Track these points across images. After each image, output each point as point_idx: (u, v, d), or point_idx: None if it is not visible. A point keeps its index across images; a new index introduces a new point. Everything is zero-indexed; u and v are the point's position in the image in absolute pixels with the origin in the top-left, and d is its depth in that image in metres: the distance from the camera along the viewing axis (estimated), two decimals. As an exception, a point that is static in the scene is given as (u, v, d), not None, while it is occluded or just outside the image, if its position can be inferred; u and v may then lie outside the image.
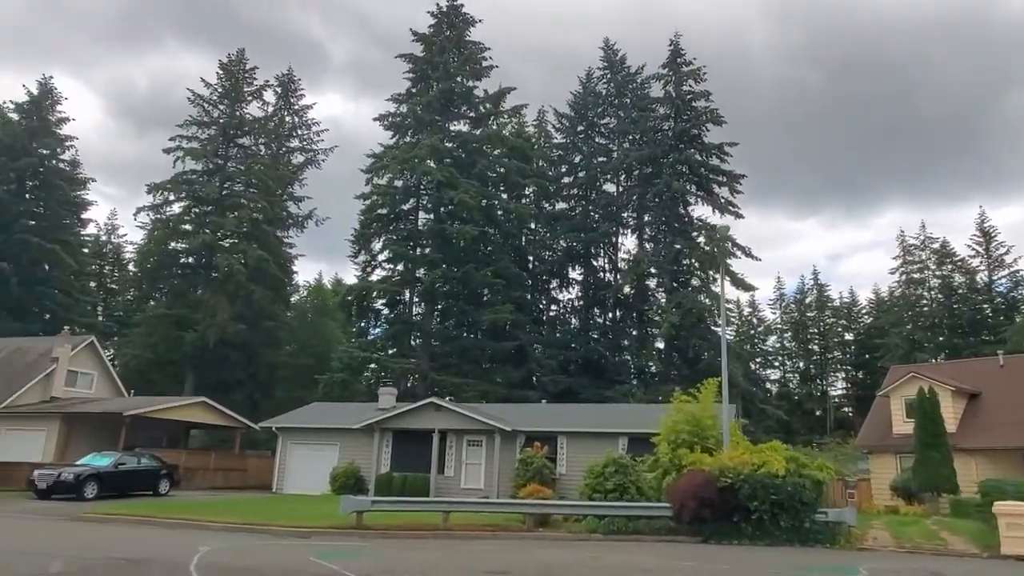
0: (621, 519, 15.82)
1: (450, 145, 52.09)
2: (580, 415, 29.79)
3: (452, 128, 53.79)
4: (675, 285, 51.76)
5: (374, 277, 52.24)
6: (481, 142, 52.87)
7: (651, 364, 53.22)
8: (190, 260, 57.11)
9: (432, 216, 52.28)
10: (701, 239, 51.35)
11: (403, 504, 16.31)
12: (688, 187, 52.80)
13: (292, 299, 64.86)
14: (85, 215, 67.71)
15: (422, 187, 51.86)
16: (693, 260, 51.67)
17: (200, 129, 57.57)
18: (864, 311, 74.17)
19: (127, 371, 53.35)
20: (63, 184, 64.51)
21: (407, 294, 52.45)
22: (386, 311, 53.25)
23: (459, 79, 52.84)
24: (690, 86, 53.56)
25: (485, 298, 53.43)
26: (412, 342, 52.56)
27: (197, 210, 56.86)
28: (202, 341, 51.67)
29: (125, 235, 76.26)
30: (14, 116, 62.64)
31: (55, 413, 30.35)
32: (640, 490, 17.23)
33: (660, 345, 52.73)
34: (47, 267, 62.41)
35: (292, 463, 30.72)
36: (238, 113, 58.12)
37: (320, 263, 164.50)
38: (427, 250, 50.42)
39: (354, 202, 53.33)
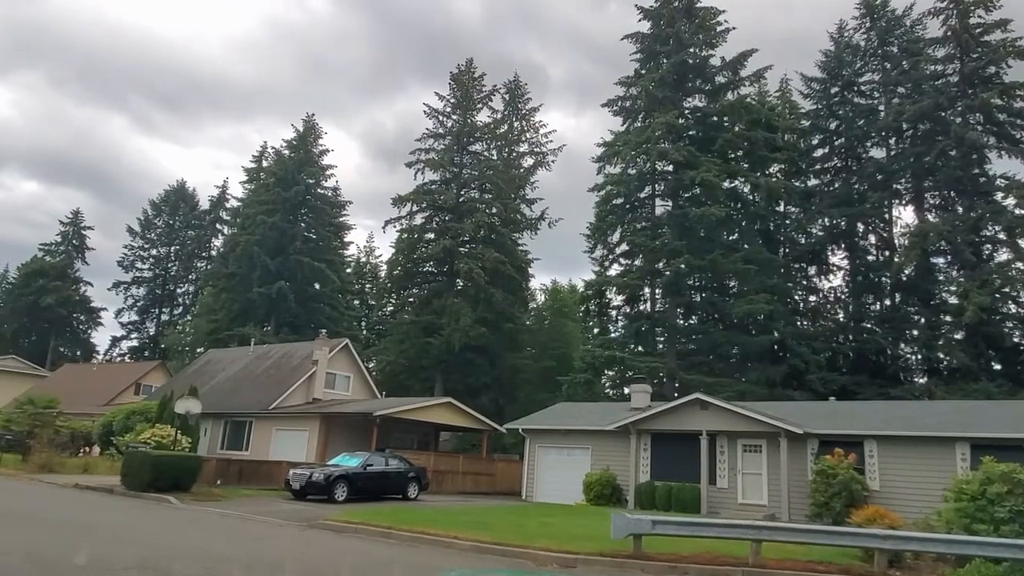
0: (1028, 564, 10.10)
1: (686, 122, 46.89)
2: (895, 414, 23.09)
3: (686, 104, 48.53)
4: (976, 260, 41.54)
5: (612, 272, 48.63)
6: (720, 115, 46.95)
7: (948, 357, 43.18)
8: (433, 268, 57.81)
9: (670, 202, 47.39)
10: (1010, 200, 40.75)
11: (692, 527, 11.87)
12: (985, 139, 42.35)
13: (530, 303, 63.48)
14: (346, 238, 72.79)
15: (658, 171, 47.19)
16: (998, 227, 41.20)
17: (436, 141, 58.33)
18: None
19: (384, 376, 55.13)
20: (326, 208, 69.54)
21: (647, 288, 47.97)
22: (626, 308, 49.23)
23: (692, 49, 47.50)
24: (979, 16, 43.14)
25: (732, 289, 47.31)
26: (656, 339, 47.99)
27: (438, 219, 57.47)
28: (448, 346, 51.51)
29: (380, 255, 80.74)
30: (286, 152, 68.71)
31: (315, 414, 30.34)
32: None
33: (958, 336, 42.54)
34: (317, 285, 67.44)
35: (541, 468, 27.68)
36: (469, 120, 57.97)
37: (554, 269, 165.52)
38: (667, 239, 45.57)
39: (580, 215, 50.46)
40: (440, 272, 57.43)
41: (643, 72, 48.78)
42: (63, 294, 74.08)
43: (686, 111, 47.88)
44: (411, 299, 59.18)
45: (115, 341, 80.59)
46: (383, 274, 78.12)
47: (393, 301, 68.82)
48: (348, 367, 36.27)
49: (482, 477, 31.05)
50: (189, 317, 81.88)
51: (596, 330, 51.01)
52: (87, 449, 33.81)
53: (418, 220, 57.59)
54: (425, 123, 58.04)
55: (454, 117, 58.45)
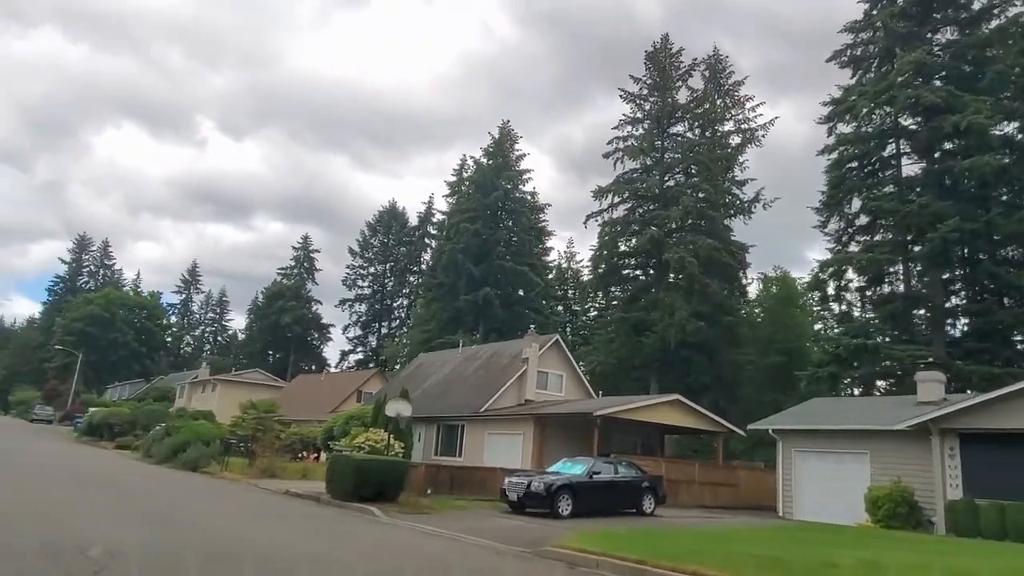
0: None
1: (938, 60, 38.19)
2: None
3: (935, 41, 39.66)
4: None
5: (852, 248, 40.86)
6: (983, 46, 37.64)
7: None
8: (640, 260, 53.30)
9: (924, 159, 38.82)
10: None
11: None
12: None
13: (749, 292, 56.48)
14: (547, 242, 70.86)
15: (904, 122, 38.91)
16: None
17: (634, 126, 53.92)
18: None
19: (593, 378, 51.39)
20: (526, 212, 67.99)
21: (899, 263, 39.66)
22: (872, 288, 41.13)
23: (938, -28, 38.75)
24: None
25: (1014, 256, 37.64)
26: (914, 323, 39.49)
27: (641, 208, 52.98)
28: (662, 343, 46.69)
29: (581, 260, 77.98)
30: (483, 160, 68.29)
31: (528, 415, 27.25)
32: None
33: None
34: (521, 291, 65.92)
35: (801, 478, 22.10)
36: (669, 100, 52.86)
37: (760, 262, 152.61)
38: (925, 202, 37.13)
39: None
40: (647, 265, 52.80)
41: (874, 13, 40.74)
42: (298, 313, 79.69)
43: (937, 45, 39.11)
44: (618, 295, 55.04)
45: (343, 355, 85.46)
46: (585, 277, 75.59)
47: (598, 303, 65.59)
48: (560, 365, 32.98)
49: (721, 488, 25.98)
50: (405, 329, 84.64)
51: (837, 317, 43.28)
52: (305, 454, 33.63)
53: (620, 212, 53.46)
54: (614, 123, 53.73)
55: (651, 99, 53.69)
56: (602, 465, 18.93)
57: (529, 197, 69.50)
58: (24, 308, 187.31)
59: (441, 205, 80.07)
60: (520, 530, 13.80)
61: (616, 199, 52.75)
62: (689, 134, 54.43)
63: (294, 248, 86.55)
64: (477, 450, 28.96)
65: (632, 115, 53.78)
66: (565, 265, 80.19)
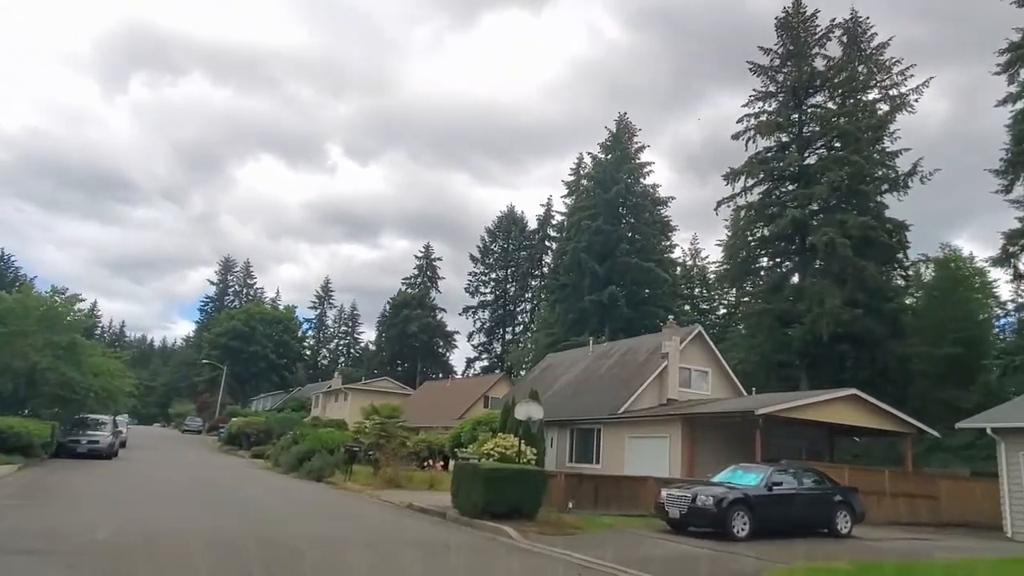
0: None
1: None
2: None
3: None
4: None
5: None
6: None
7: None
8: (780, 246, 47.91)
9: None
10: None
11: None
12: None
13: (912, 276, 49.40)
14: (672, 236, 66.55)
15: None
16: None
17: (765, 102, 48.75)
18: None
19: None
20: (648, 205, 64.10)
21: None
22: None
23: None
24: None
25: None
26: None
27: (779, 190, 47.72)
28: (812, 335, 41.32)
29: (707, 257, 72.86)
30: (601, 156, 65.04)
31: (675, 416, 23.66)
32: None
33: None
34: (647, 289, 61.92)
35: (1036, 488, 17.25)
36: (806, 69, 47.29)
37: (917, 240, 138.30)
38: None
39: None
40: (788, 251, 47.38)
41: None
42: (423, 321, 79.55)
43: None
44: (755, 287, 49.84)
45: (469, 362, 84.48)
46: (712, 275, 70.58)
47: (727, 299, 60.58)
48: (704, 360, 29.09)
49: (919, 500, 21.18)
50: (529, 334, 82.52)
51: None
52: (431, 462, 31.65)
53: (754, 195, 48.39)
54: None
55: (785, 70, 48.33)
56: (781, 475, 15.16)
57: (651, 190, 65.46)
58: (184, 329, 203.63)
59: (559, 207, 77.60)
60: (694, 561, 10.54)
61: (750, 181, 47.78)
62: (830, 104, 48.52)
63: (416, 257, 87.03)
64: (616, 456, 25.71)
65: (764, 89, 48.66)
66: (690, 263, 75.37)
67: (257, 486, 20.80)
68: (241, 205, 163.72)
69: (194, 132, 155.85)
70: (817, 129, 47.02)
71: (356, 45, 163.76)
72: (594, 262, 59.42)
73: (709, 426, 23.35)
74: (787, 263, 47.75)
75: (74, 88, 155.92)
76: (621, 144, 63.92)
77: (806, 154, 47.08)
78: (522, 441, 22.89)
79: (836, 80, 48.72)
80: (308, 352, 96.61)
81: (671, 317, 31.10)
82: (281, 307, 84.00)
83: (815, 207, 44.86)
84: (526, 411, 21.44)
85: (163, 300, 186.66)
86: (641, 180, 64.70)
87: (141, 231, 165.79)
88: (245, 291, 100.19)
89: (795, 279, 46.47)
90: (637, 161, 64.07)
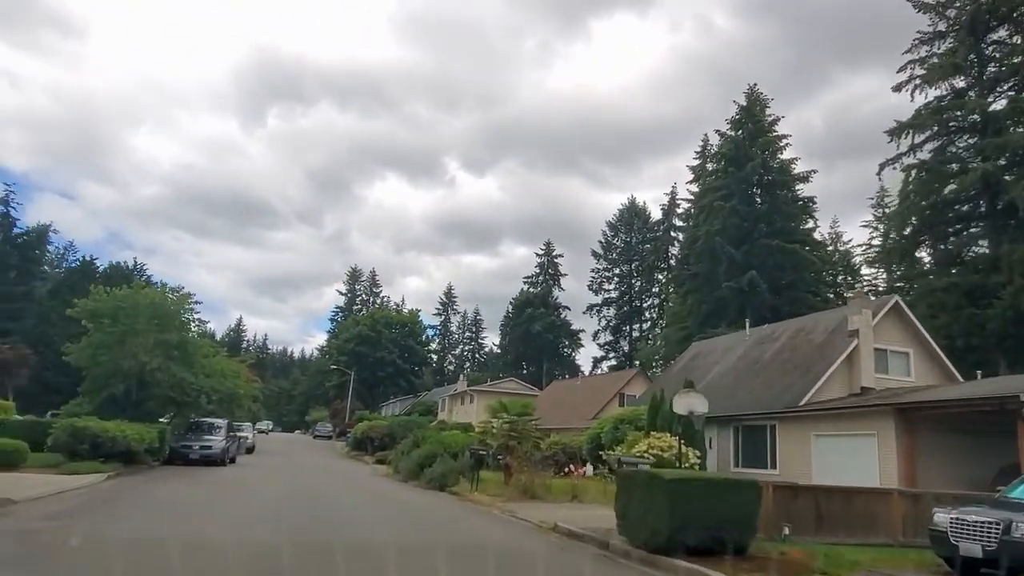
0: None
1: None
2: None
3: None
4: None
5: None
6: None
7: None
8: (963, 209, 39.85)
9: None
10: None
11: None
12: None
13: None
14: (816, 216, 58.81)
15: None
16: None
17: (933, 44, 40.92)
18: None
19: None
20: (786, 182, 56.96)
21: None
22: None
23: None
24: None
25: None
26: None
27: (956, 144, 39.80)
28: (1013, 312, 33.50)
29: (851, 240, 64.33)
30: (731, 133, 58.66)
31: (884, 407, 17.85)
32: None
33: None
34: (790, 273, 54.79)
35: None
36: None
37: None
38: None
39: None
40: (976, 214, 39.26)
41: None
42: (547, 320, 75.67)
43: None
44: (936, 259, 41.85)
45: (596, 362, 79.68)
46: (859, 258, 62.18)
47: (883, 280, 52.32)
48: (903, 339, 22.89)
49: None
50: (658, 330, 76.62)
51: None
52: (571, 467, 27.28)
53: (925, 154, 40.65)
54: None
55: (957, 4, 40.32)
56: None
57: (789, 166, 58.09)
58: (320, 341, 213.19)
59: (684, 195, 71.32)
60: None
61: (919, 137, 40.16)
62: (1016, 39, 39.94)
63: (537, 255, 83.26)
64: (798, 459, 20.24)
65: (931, 29, 40.86)
66: (831, 248, 66.98)
67: (366, 497, 17.34)
68: (369, 222, 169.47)
69: (324, 157, 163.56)
70: (1003, 69, 38.75)
71: (468, 61, 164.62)
72: (730, 246, 53.16)
73: (932, 420, 17.45)
74: (973, 229, 39.62)
75: (218, 125, 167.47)
76: (753, 116, 57.16)
77: (990, 99, 38.90)
78: (681, 441, 18.18)
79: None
80: (434, 357, 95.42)
81: (858, 287, 25.07)
82: (405, 311, 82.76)
83: (1002, 161, 36.82)
84: (686, 404, 16.73)
85: (302, 316, 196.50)
86: (778, 155, 57.58)
87: (281, 252, 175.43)
88: (371, 300, 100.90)
89: (985, 248, 38.42)
90: (773, 134, 57.01)
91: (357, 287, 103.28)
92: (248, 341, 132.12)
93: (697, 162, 68.91)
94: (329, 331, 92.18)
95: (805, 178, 58.94)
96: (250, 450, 34.42)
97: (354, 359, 70.83)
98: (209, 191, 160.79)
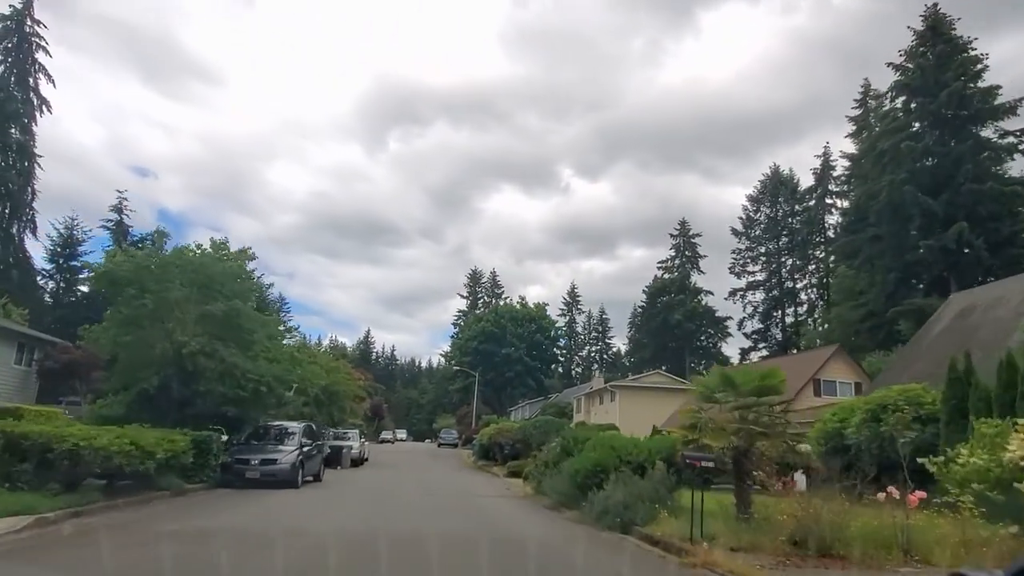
0: None
1: None
2: None
3: None
4: None
5: None
6: None
7: None
8: None
9: None
10: None
11: None
12: None
13: None
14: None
15: None
16: None
17: None
18: None
19: None
20: (991, 111, 43.89)
21: None
22: None
23: None
24: None
25: None
26: None
27: None
28: None
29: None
30: (908, 65, 46.31)
31: None
32: None
33: None
34: (1006, 222, 41.75)
35: None
36: None
37: None
38: None
39: None
40: None
41: None
42: (687, 307, 65.15)
43: None
44: None
45: (743, 353, 68.02)
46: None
47: None
48: None
49: None
50: (817, 313, 63.96)
51: None
52: (784, 480, 17.43)
53: None
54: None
55: None
56: None
57: (991, 94, 44.81)
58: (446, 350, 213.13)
59: (840, 158, 58.71)
60: None
61: None
62: None
63: (671, 236, 72.49)
64: None
65: None
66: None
67: (506, 559, 8.82)
68: (488, 234, 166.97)
69: (442, 174, 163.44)
70: None
71: (576, 67, 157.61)
72: (926, 196, 41.11)
73: None
74: None
75: (344, 153, 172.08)
76: (942, 35, 44.57)
77: None
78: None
79: None
80: (562, 358, 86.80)
81: None
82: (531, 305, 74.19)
83: None
84: None
85: (429, 329, 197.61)
86: (977, 83, 44.57)
87: (407, 269, 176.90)
88: (493, 301, 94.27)
89: None
90: (970, 52, 44.13)
91: (478, 290, 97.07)
92: (376, 353, 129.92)
93: (858, 111, 56.57)
94: (452, 336, 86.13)
95: (1012, 108, 45.31)
96: (357, 462, 27.38)
97: (478, 359, 63.72)
98: (339, 215, 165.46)
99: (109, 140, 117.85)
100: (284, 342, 19.25)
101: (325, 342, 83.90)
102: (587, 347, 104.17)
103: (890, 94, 48.94)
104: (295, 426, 17.39)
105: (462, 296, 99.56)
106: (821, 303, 62.79)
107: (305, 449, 16.58)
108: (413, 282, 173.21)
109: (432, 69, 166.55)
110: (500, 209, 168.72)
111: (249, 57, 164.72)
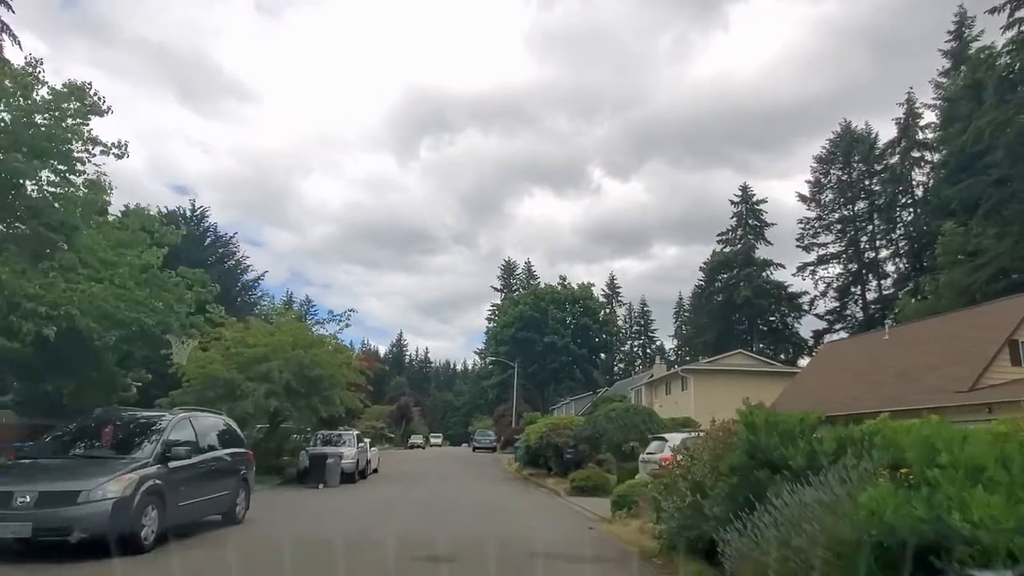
0: None
1: None
2: None
3: None
4: None
5: None
6: None
7: None
8: None
9: None
10: None
11: None
12: None
13: None
14: None
15: None
16: None
17: None
18: None
19: None
20: None
21: None
22: None
23: None
24: None
25: None
26: None
27: None
28: None
29: None
30: None
31: None
32: None
33: None
34: None
35: None
36: None
37: None
38: None
39: None
40: None
41: None
42: (755, 283, 55.01)
43: None
44: None
45: (817, 336, 57.45)
46: None
47: None
48: None
49: None
50: (910, 284, 53.06)
51: None
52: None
53: None
54: None
55: None
56: None
57: None
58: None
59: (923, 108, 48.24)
60: None
61: None
62: None
63: (732, 202, 61.83)
64: None
65: None
66: None
67: None
68: (520, 238, 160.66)
69: (473, 180, 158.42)
70: None
71: (602, 67, 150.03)
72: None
73: None
74: None
75: (377, 163, 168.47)
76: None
77: None
78: None
79: None
80: (612, 346, 76.62)
81: None
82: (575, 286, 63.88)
83: None
84: None
85: (465, 334, 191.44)
86: None
87: (441, 276, 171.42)
88: (527, 290, 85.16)
89: None
90: None
91: (512, 281, 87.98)
92: (410, 356, 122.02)
93: (952, 44, 46.28)
94: (487, 331, 76.91)
95: None
96: (352, 475, 18.49)
97: (517, 349, 54.46)
98: (373, 225, 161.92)
99: (150, 159, 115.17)
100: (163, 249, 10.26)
101: (358, 347, 75.63)
102: (629, 341, 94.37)
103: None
104: (155, 417, 8.12)
105: (495, 289, 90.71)
106: (914, 272, 52.08)
107: (175, 466, 7.64)
108: (448, 288, 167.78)
109: (460, 76, 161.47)
110: (532, 212, 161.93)
111: (282, 73, 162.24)
